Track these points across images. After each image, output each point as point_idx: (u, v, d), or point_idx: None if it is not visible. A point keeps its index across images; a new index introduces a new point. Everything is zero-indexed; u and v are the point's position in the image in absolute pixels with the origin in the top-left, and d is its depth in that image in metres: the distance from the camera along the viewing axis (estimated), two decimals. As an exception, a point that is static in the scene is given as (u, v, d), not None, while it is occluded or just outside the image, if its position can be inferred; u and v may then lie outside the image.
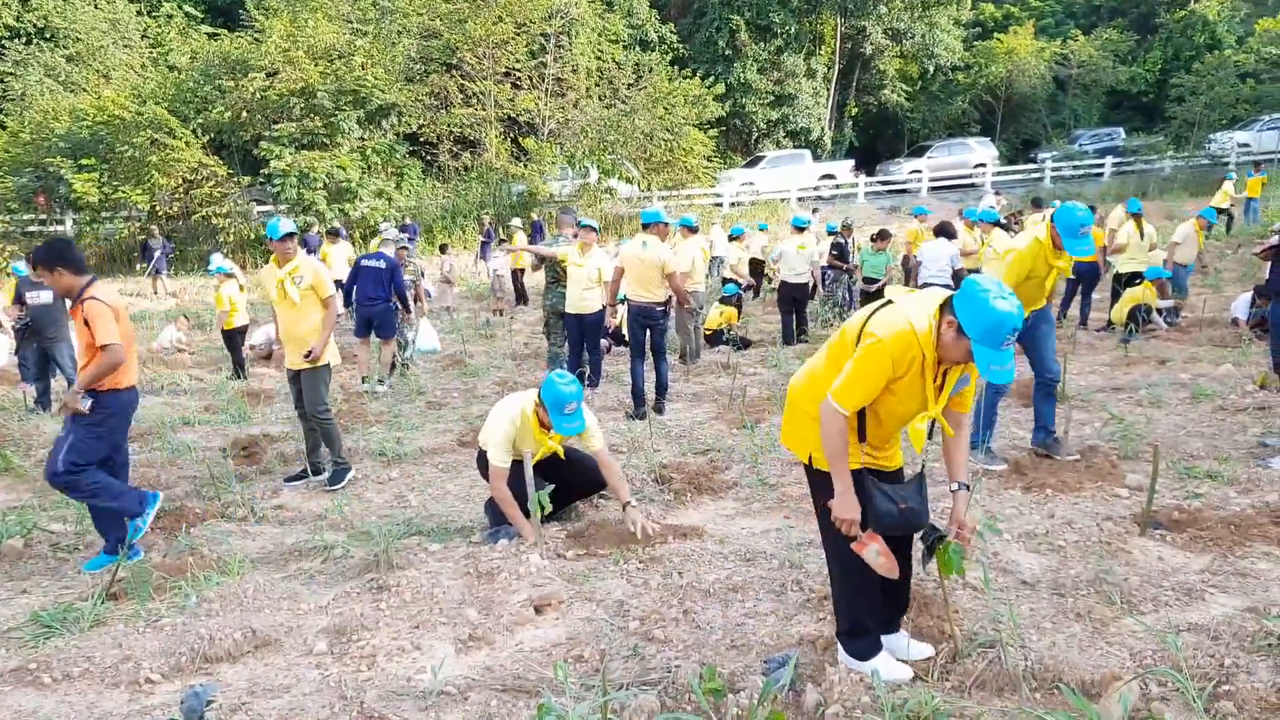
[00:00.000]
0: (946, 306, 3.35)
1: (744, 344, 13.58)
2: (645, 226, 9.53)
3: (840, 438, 3.48)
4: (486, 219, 26.73)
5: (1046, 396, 6.80)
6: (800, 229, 13.92)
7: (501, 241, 22.01)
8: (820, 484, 3.70)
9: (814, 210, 26.37)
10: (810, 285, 13.92)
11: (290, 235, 7.41)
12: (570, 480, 6.16)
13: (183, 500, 7.21)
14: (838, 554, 3.73)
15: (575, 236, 10.83)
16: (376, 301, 11.67)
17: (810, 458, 3.74)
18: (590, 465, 6.16)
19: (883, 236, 14.98)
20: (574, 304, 10.40)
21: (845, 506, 3.55)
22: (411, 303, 12.69)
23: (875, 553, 3.60)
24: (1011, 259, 6.38)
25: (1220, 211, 19.44)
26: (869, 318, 3.48)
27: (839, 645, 3.86)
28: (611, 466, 6.01)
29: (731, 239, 17.02)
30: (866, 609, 3.78)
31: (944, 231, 13.18)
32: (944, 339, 3.34)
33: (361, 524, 6.39)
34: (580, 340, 10.59)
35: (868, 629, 3.78)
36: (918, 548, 3.86)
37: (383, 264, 11.74)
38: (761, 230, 16.83)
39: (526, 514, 5.75)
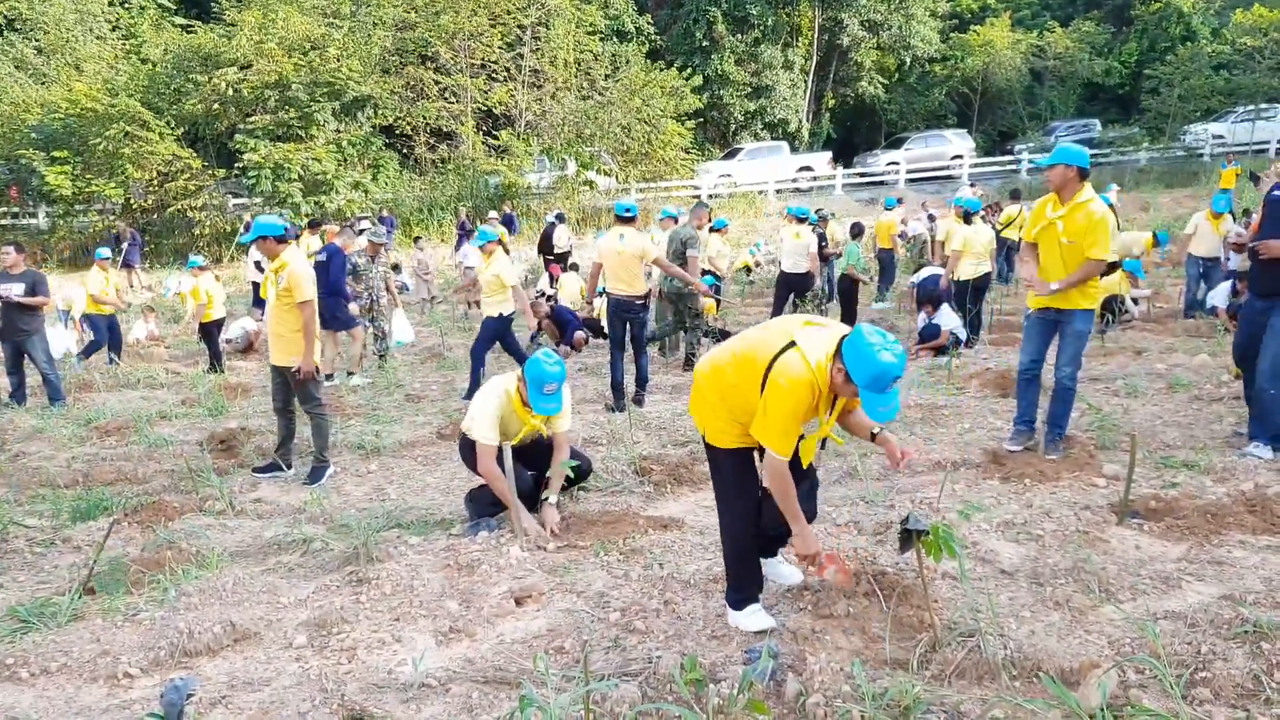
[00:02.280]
0: (839, 352, 3.68)
1: (722, 335, 13.58)
2: (621, 220, 9.50)
3: (789, 485, 3.89)
4: (463, 212, 26.66)
5: (1059, 394, 6.69)
6: (801, 219, 13.92)
7: (470, 232, 22.03)
8: (715, 458, 4.20)
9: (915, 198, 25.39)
10: (810, 275, 13.89)
11: (264, 237, 7.42)
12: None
13: (160, 494, 7.16)
14: (728, 526, 4.24)
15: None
16: (323, 295, 11.65)
17: (706, 432, 4.18)
18: (577, 454, 6.19)
19: (858, 231, 15.05)
20: (485, 308, 10.44)
21: (805, 544, 4.04)
22: (385, 295, 12.64)
23: (834, 572, 4.21)
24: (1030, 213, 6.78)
25: None
26: (774, 359, 3.76)
27: (728, 608, 4.25)
28: (562, 452, 5.98)
29: (713, 231, 17.00)
30: (751, 579, 4.25)
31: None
32: (835, 380, 3.72)
33: (341, 517, 6.35)
34: (491, 344, 10.55)
35: (752, 593, 4.22)
36: (894, 540, 3.98)
37: (323, 255, 11.70)
38: (718, 229, 16.31)
39: (501, 504, 5.83)
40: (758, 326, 4.21)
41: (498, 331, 10.35)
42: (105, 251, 14.22)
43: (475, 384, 10.11)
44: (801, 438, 3.96)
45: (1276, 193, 6.04)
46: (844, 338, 3.67)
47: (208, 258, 17.76)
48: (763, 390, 3.76)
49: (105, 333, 13.68)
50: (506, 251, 20.94)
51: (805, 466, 4.20)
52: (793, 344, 3.74)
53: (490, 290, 10.21)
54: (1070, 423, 7.24)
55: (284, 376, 7.56)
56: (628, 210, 9.51)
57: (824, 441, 4.20)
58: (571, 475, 6.07)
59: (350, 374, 11.61)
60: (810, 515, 4.29)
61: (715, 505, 4.44)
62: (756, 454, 4.17)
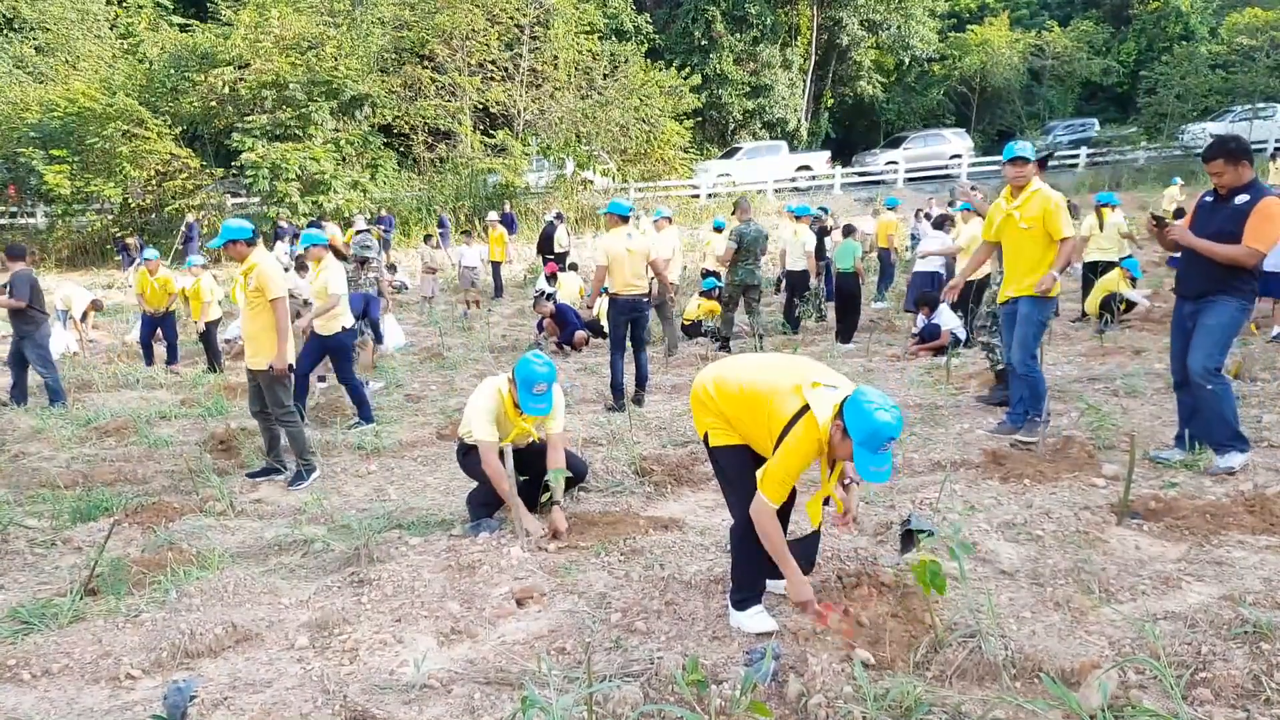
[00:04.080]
0: (839, 411, 3.81)
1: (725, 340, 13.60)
2: (624, 219, 9.48)
3: (778, 533, 4.01)
4: (439, 209, 26.79)
5: (1018, 380, 7.11)
6: (799, 217, 14.00)
7: (467, 233, 22.07)
8: (716, 457, 4.36)
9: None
10: (808, 273, 14.00)
11: (233, 241, 7.31)
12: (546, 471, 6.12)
13: (160, 495, 7.17)
14: (737, 520, 4.25)
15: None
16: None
17: (706, 435, 4.33)
18: (571, 458, 6.18)
19: (850, 231, 15.05)
20: (318, 325, 9.13)
21: (799, 591, 4.08)
22: (381, 300, 12.61)
23: (837, 619, 4.02)
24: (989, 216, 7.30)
25: None
26: (791, 421, 3.90)
27: (731, 608, 4.28)
28: (557, 452, 5.93)
29: (715, 230, 17.03)
30: (755, 579, 4.28)
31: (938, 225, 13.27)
32: (832, 438, 3.84)
33: (341, 518, 6.36)
34: (317, 365, 9.76)
35: (755, 595, 4.27)
36: (895, 540, 4.04)
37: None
38: (719, 229, 16.36)
39: (500, 505, 5.88)
40: (766, 361, 4.39)
41: (330, 349, 9.23)
42: (152, 252, 14.22)
43: (363, 403, 9.39)
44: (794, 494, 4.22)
45: (1208, 198, 6.12)
46: (847, 397, 3.81)
47: (206, 257, 17.75)
48: (776, 446, 3.92)
49: (145, 329, 13.77)
50: (504, 250, 21.12)
51: (815, 525, 4.35)
52: (806, 407, 3.88)
53: (321, 301, 9.20)
54: (1069, 422, 7.27)
55: (257, 380, 7.55)
56: (632, 210, 9.54)
57: (826, 499, 4.31)
58: (569, 475, 6.05)
59: (365, 382, 11.45)
60: (808, 565, 4.45)
61: (725, 504, 4.49)
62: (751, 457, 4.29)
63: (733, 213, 13.07)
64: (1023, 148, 6.97)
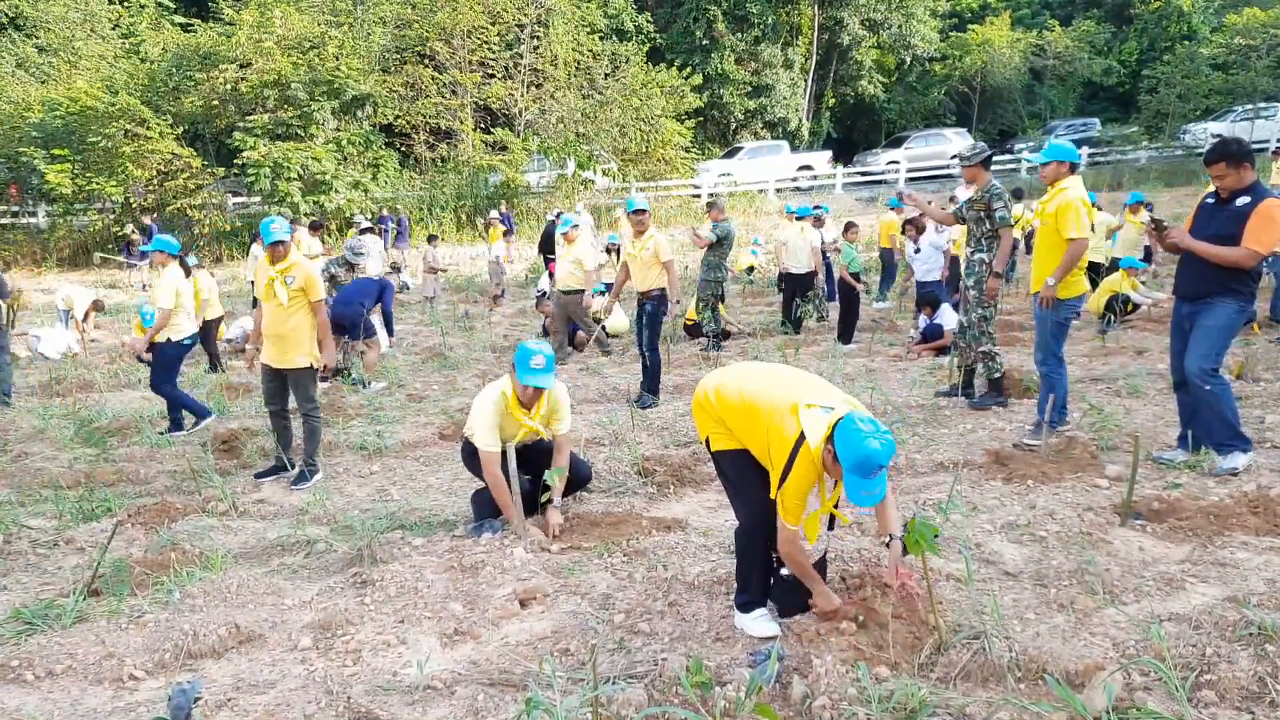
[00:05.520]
0: (831, 435, 3.76)
1: (723, 335, 13.59)
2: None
3: (803, 552, 4.04)
4: (401, 208, 27.04)
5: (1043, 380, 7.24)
6: (801, 218, 14.02)
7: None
8: (719, 461, 4.39)
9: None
10: (813, 274, 14.04)
11: (280, 242, 7.26)
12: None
13: (163, 495, 7.16)
14: (742, 522, 4.31)
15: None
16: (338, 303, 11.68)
17: (708, 440, 4.37)
18: (575, 462, 6.16)
19: (850, 228, 15.02)
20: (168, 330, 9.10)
21: (825, 601, 4.12)
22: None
23: (854, 610, 4.11)
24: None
25: None
26: (795, 447, 3.86)
27: (735, 610, 4.30)
28: (562, 454, 5.95)
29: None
30: (759, 582, 4.30)
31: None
32: (825, 460, 3.81)
33: (344, 518, 6.35)
34: (175, 371, 9.46)
35: (759, 598, 4.30)
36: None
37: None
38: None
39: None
40: (768, 372, 4.36)
41: (156, 352, 9.15)
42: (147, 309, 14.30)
43: (179, 422, 9.33)
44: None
45: (1209, 200, 6.12)
46: (838, 421, 3.76)
47: (207, 257, 17.77)
48: (783, 476, 3.89)
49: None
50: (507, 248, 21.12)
51: (812, 544, 4.28)
52: (802, 435, 3.83)
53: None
54: (1072, 423, 7.26)
55: (280, 379, 7.51)
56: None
57: (832, 521, 4.29)
58: (572, 479, 6.05)
59: (368, 383, 11.39)
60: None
61: (728, 504, 4.48)
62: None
63: (707, 211, 13.28)
64: (1060, 150, 7.08)
